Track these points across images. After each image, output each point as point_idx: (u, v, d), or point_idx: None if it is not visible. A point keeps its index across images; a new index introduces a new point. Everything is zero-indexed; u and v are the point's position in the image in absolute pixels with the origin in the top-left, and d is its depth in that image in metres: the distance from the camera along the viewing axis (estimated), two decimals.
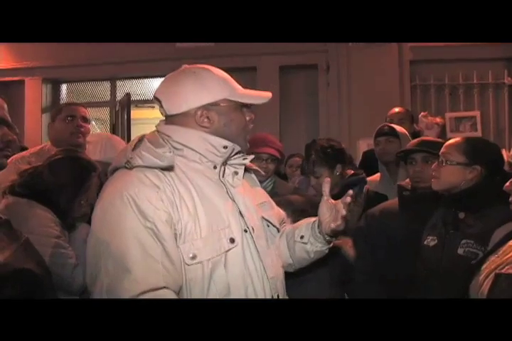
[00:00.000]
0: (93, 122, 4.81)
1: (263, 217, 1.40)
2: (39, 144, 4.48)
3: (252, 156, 1.40)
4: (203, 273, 1.21)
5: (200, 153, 1.30)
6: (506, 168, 1.92)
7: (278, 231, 1.47)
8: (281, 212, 1.57)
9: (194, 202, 1.24)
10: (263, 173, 1.55)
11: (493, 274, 1.28)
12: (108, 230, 1.19)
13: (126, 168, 1.25)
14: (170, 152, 1.26)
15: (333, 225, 1.38)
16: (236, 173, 1.36)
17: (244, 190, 1.38)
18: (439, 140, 2.18)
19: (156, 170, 1.24)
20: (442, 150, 1.81)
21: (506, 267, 1.27)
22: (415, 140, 2.20)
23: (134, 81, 5.35)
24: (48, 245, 1.74)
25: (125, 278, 1.14)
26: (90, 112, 2.74)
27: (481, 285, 1.31)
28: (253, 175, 1.50)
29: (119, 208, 1.19)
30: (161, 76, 5.26)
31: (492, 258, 1.37)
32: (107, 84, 5.41)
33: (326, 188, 1.43)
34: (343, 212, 1.37)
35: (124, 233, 1.17)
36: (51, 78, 5.26)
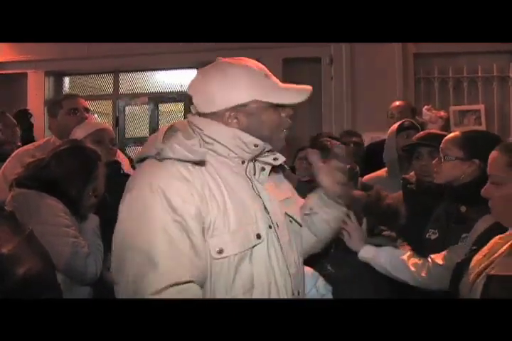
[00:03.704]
0: (96, 115, 4.80)
1: (286, 213, 1.38)
2: (42, 137, 4.50)
3: (284, 159, 1.38)
4: (229, 268, 1.21)
5: (229, 149, 1.29)
6: None
7: (301, 226, 1.46)
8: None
9: (224, 197, 1.24)
10: (288, 168, 1.56)
11: (484, 275, 1.27)
12: (136, 221, 1.19)
13: (156, 158, 1.24)
14: (200, 145, 1.26)
15: (334, 184, 1.41)
16: (263, 169, 1.35)
17: (270, 186, 1.37)
18: (446, 133, 2.16)
19: (187, 163, 1.23)
20: (441, 145, 1.81)
21: (496, 268, 1.26)
22: (422, 132, 2.20)
23: (137, 74, 5.33)
24: (59, 234, 1.75)
25: (151, 271, 1.13)
26: (93, 105, 2.75)
27: (472, 286, 1.30)
28: (279, 172, 1.49)
29: (148, 200, 1.19)
30: (164, 69, 5.27)
31: (479, 256, 1.35)
32: (109, 77, 5.39)
33: (314, 157, 1.45)
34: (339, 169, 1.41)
35: (151, 225, 1.16)
36: (54, 71, 5.24)
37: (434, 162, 1.84)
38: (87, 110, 2.61)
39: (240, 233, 1.23)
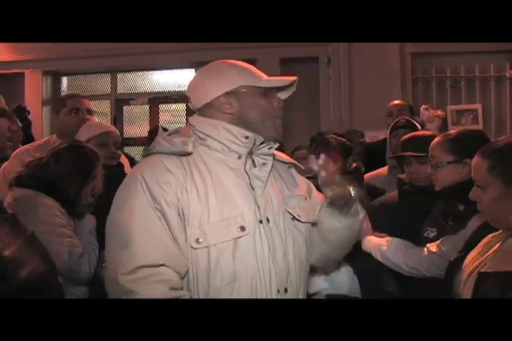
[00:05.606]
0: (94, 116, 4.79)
1: (286, 210, 1.39)
2: (40, 137, 4.50)
3: (277, 144, 1.41)
4: (209, 258, 1.24)
5: (222, 143, 1.34)
6: None
7: (311, 223, 1.46)
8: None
9: (207, 189, 1.28)
10: (302, 167, 1.55)
11: (476, 273, 1.28)
12: (119, 208, 1.27)
13: (148, 154, 1.35)
14: (194, 142, 1.32)
15: (338, 194, 1.36)
16: (264, 165, 1.37)
17: (273, 183, 1.39)
18: (431, 134, 2.14)
19: (174, 157, 1.30)
20: (430, 153, 1.82)
21: (488, 265, 1.27)
22: (406, 136, 2.17)
23: (135, 73, 5.33)
24: (55, 234, 1.77)
25: (124, 253, 1.21)
26: (91, 105, 2.72)
27: (465, 283, 1.31)
28: (291, 169, 1.51)
29: (131, 188, 1.27)
30: (161, 68, 5.27)
31: (472, 254, 1.37)
32: (107, 77, 5.38)
33: (313, 165, 1.38)
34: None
35: (131, 211, 1.24)
36: (51, 71, 5.24)
37: (428, 171, 1.85)
38: (89, 112, 2.60)
39: (221, 224, 1.26)
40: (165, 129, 1.44)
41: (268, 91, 1.38)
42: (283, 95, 1.45)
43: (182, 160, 1.30)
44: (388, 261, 1.83)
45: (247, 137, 1.33)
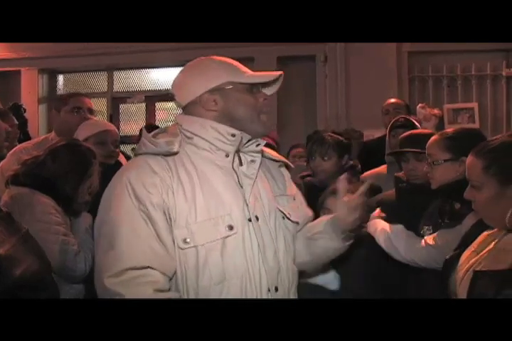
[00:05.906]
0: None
1: (278, 209, 1.38)
2: (36, 135, 4.49)
3: (265, 142, 1.40)
4: (197, 258, 1.23)
5: (209, 142, 1.32)
6: None
7: (297, 223, 1.45)
8: (308, 211, 1.56)
9: (194, 189, 1.27)
10: (292, 166, 1.56)
11: (471, 271, 1.28)
12: (105, 210, 1.27)
13: (134, 155, 1.36)
14: (180, 141, 1.31)
15: (350, 219, 1.39)
16: (253, 162, 1.36)
17: (262, 180, 1.39)
18: (429, 132, 2.15)
19: (159, 157, 1.29)
20: (427, 151, 1.83)
21: (483, 264, 1.27)
22: (405, 134, 2.19)
23: (132, 71, 5.32)
24: (50, 232, 1.76)
25: (110, 255, 1.20)
26: (92, 104, 2.71)
27: (460, 282, 1.31)
28: (282, 169, 1.51)
29: (117, 190, 1.27)
30: (158, 67, 5.26)
31: (468, 252, 1.37)
32: (104, 75, 5.37)
33: (341, 186, 1.43)
34: (357, 206, 1.39)
35: (117, 213, 1.24)
36: (48, 68, 5.22)
37: (424, 169, 1.86)
38: (90, 111, 2.59)
39: (209, 224, 1.25)
40: (155, 127, 1.42)
41: (253, 87, 1.36)
42: (269, 91, 1.43)
43: (168, 160, 1.29)
44: (390, 246, 1.83)
45: (233, 135, 1.32)
